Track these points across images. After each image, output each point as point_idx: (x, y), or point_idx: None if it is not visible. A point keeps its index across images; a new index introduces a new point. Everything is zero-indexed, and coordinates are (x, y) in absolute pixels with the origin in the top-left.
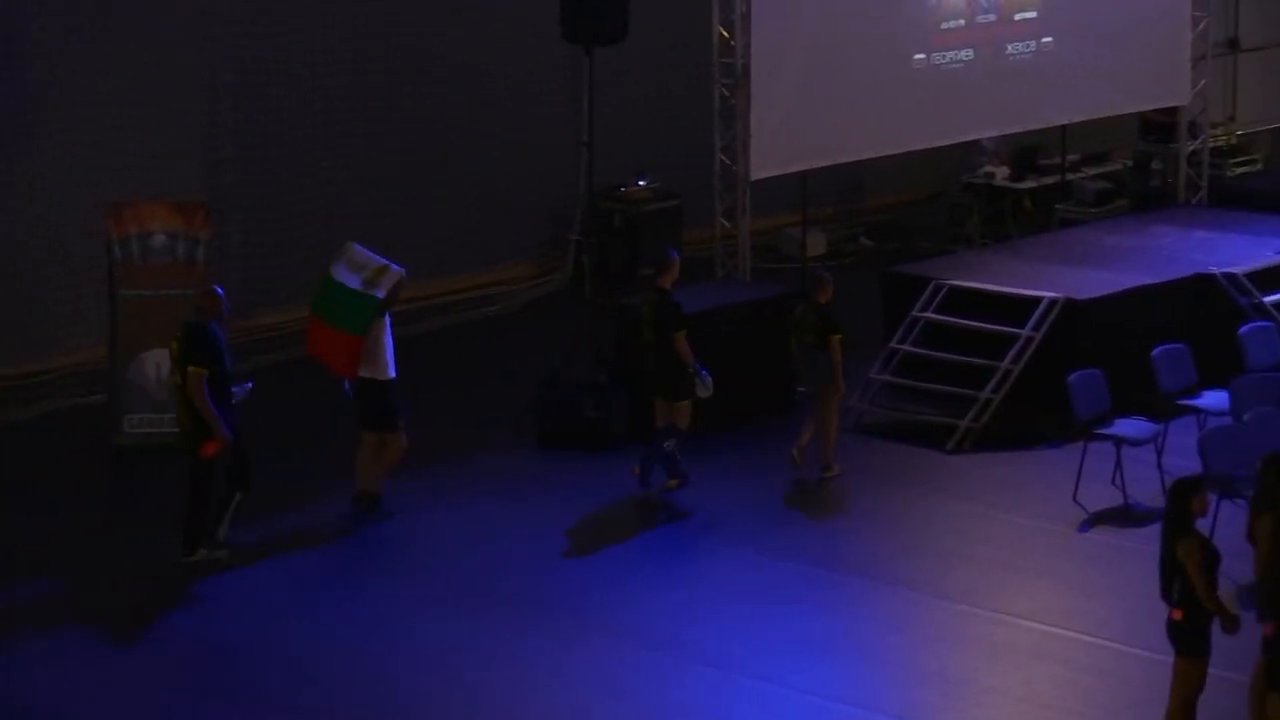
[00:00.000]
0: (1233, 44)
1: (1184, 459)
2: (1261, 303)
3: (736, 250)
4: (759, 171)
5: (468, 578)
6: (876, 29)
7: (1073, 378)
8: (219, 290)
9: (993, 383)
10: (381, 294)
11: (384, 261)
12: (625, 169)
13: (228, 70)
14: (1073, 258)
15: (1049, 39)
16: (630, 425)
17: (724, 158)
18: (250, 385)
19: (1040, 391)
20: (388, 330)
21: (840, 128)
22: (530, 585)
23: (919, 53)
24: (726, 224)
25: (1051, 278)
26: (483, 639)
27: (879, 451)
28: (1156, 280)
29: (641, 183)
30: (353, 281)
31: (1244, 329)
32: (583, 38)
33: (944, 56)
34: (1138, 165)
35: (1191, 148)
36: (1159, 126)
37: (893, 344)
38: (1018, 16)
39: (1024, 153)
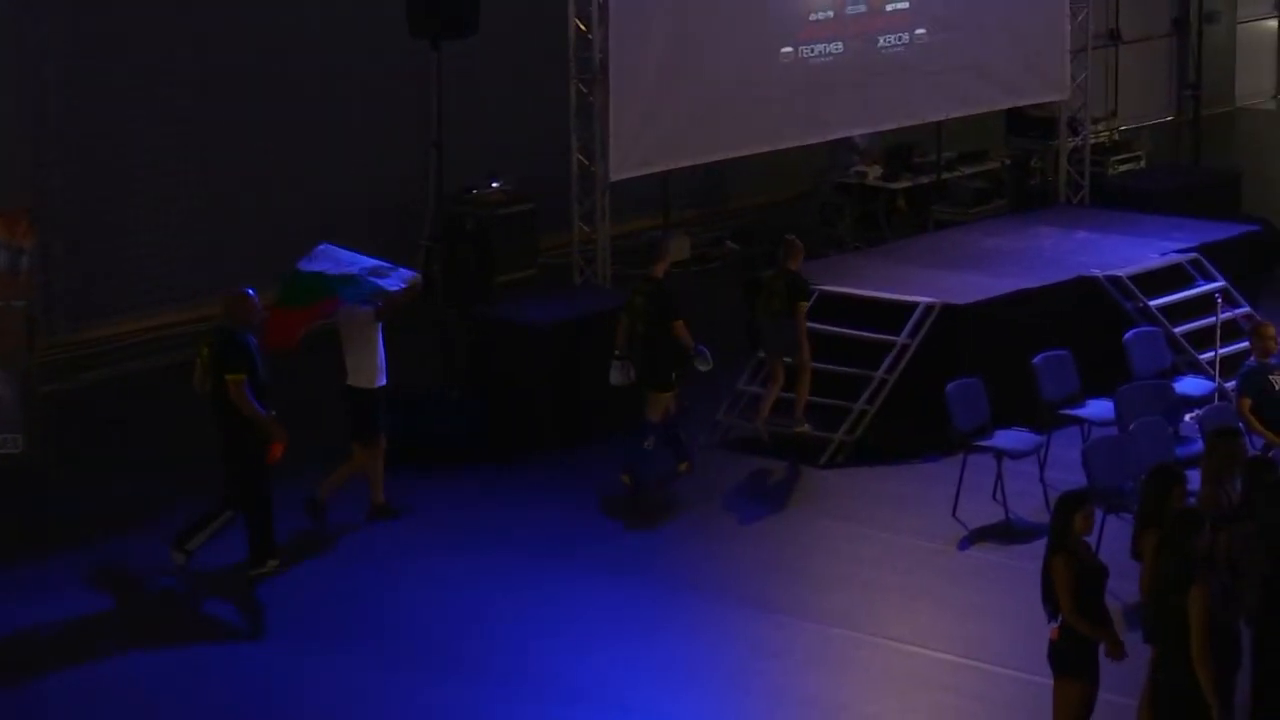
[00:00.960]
0: (1114, 36)
1: (1067, 472)
2: (1147, 307)
3: (596, 256)
4: (618, 172)
5: (310, 610)
6: (742, 21)
7: (951, 387)
8: (250, 292)
9: (867, 393)
10: (396, 284)
11: (385, 264)
12: (478, 170)
13: (53, 70)
14: (950, 261)
15: (921, 30)
16: (491, 439)
17: (581, 158)
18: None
19: (917, 402)
20: (380, 336)
21: (704, 125)
22: (376, 617)
23: (786, 46)
24: (585, 228)
25: (928, 282)
26: (327, 676)
27: (747, 467)
28: (1037, 284)
29: (495, 185)
30: (346, 266)
31: (1129, 335)
32: (431, 31)
33: (813, 49)
34: (1016, 164)
35: (1072, 145)
36: (1034, 122)
37: (760, 353)
38: (889, 8)
39: (897, 151)
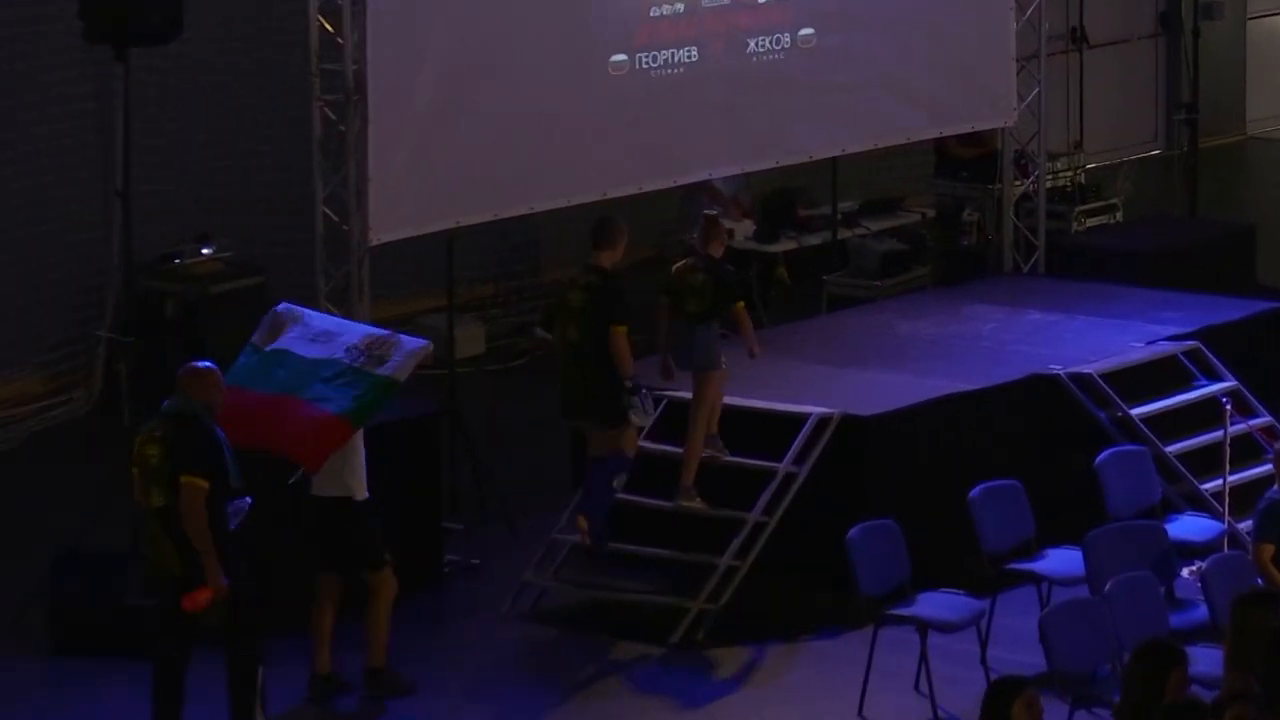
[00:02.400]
0: (1077, 38)
1: (1019, 650)
2: (1127, 416)
3: None
4: (382, 232)
5: None
6: (556, 21)
7: (855, 534)
8: (211, 364)
9: (737, 542)
10: (399, 375)
11: (380, 331)
12: (183, 230)
13: None
14: (851, 354)
15: (808, 31)
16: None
17: (329, 211)
18: (249, 502)
19: (808, 553)
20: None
21: (502, 166)
22: None
23: (618, 53)
24: (335, 310)
25: (820, 385)
26: None
27: (566, 649)
28: (974, 386)
29: (206, 251)
30: (334, 350)
31: (1102, 456)
32: (114, 34)
33: (655, 58)
34: (943, 217)
35: (1021, 190)
36: (968, 159)
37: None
38: None
39: (776, 200)
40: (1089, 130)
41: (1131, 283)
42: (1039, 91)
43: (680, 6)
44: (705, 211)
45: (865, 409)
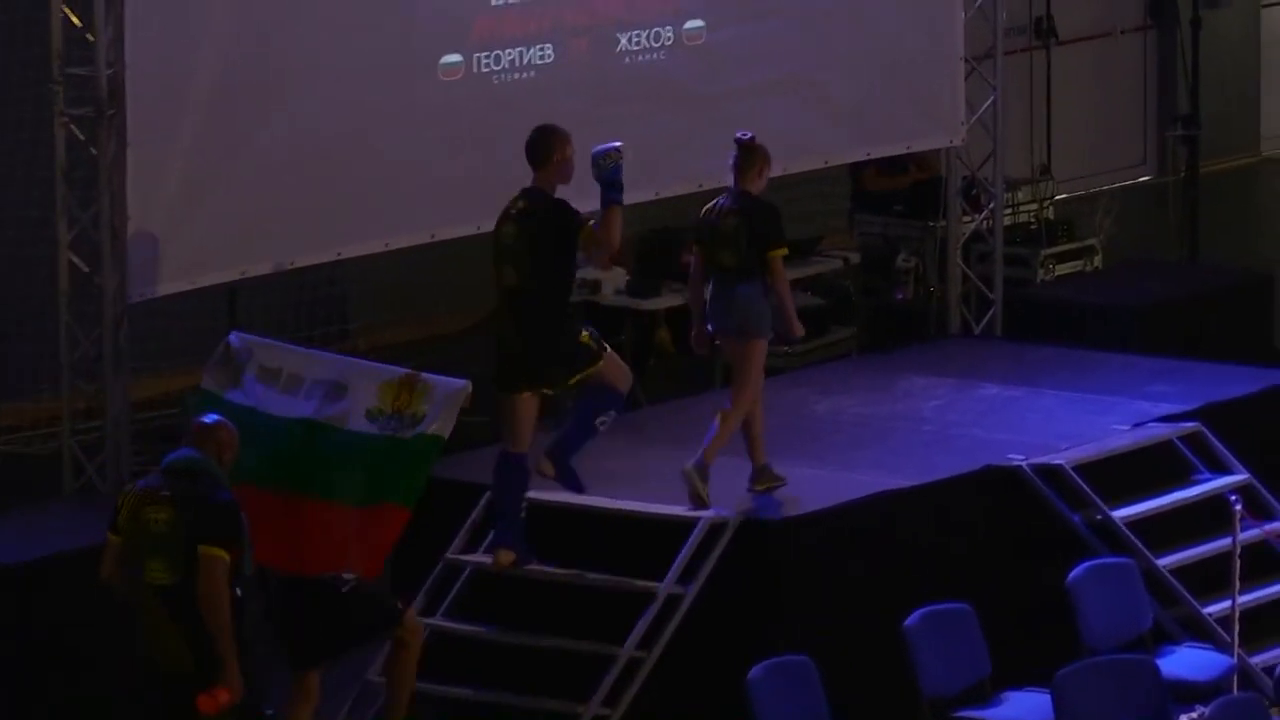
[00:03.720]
0: (1043, 31)
1: None
2: (1109, 519)
3: (104, 439)
4: (144, 286)
5: None
6: (369, 8)
7: (757, 673)
8: (221, 418)
9: (607, 682)
10: (444, 430)
11: (391, 370)
12: None
13: None
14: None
15: (696, 24)
16: None
17: (76, 259)
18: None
19: (696, 699)
20: None
21: (298, 200)
22: None
23: (450, 52)
24: (85, 387)
25: (714, 479)
26: None
27: None
28: (913, 481)
29: None
30: (329, 408)
31: (1077, 571)
32: None
33: (498, 59)
34: (871, 263)
35: (971, 229)
36: (903, 190)
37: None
38: None
39: (655, 242)
40: (1059, 151)
41: (1114, 347)
42: (994, 101)
43: None
44: (740, 136)
45: (772, 512)
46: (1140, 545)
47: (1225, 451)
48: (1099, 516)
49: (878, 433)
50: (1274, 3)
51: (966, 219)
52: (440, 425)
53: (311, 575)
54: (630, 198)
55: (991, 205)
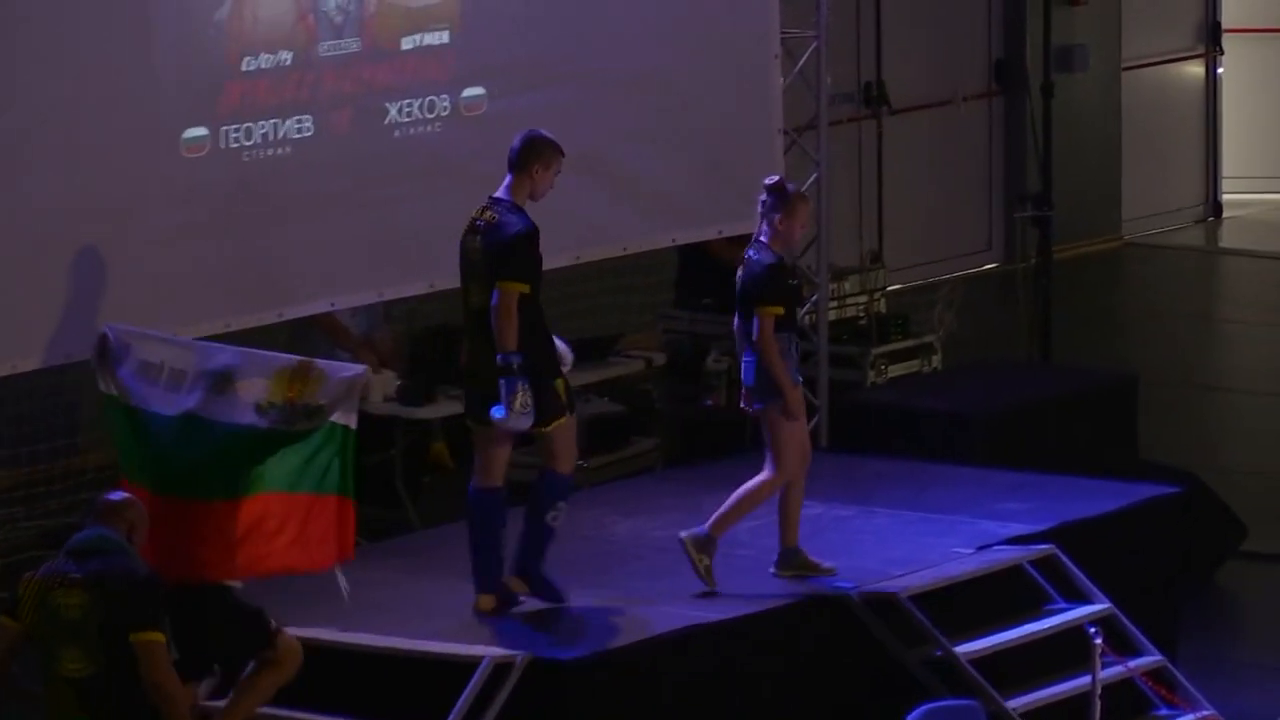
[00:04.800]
0: (873, 98)
1: None
2: (951, 655)
3: None
4: None
5: None
6: (98, 69)
7: None
8: (128, 495)
9: None
10: (349, 418)
11: (276, 359)
12: None
13: None
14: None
15: (477, 91)
16: None
17: None
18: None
19: None
20: None
21: (6, 298)
22: None
23: (194, 125)
24: None
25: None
26: None
27: None
28: (727, 614)
29: None
30: (215, 403)
31: (912, 717)
32: None
33: (249, 133)
34: (678, 364)
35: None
36: (716, 278)
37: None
38: (408, 43)
39: (431, 342)
40: (892, 235)
41: (957, 460)
42: (818, 178)
43: (286, 56)
44: (771, 182)
45: (565, 649)
46: (987, 685)
47: (1083, 577)
48: (939, 653)
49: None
50: (1137, 65)
51: None
52: (344, 415)
53: (196, 583)
54: (400, 293)
55: (815, 298)
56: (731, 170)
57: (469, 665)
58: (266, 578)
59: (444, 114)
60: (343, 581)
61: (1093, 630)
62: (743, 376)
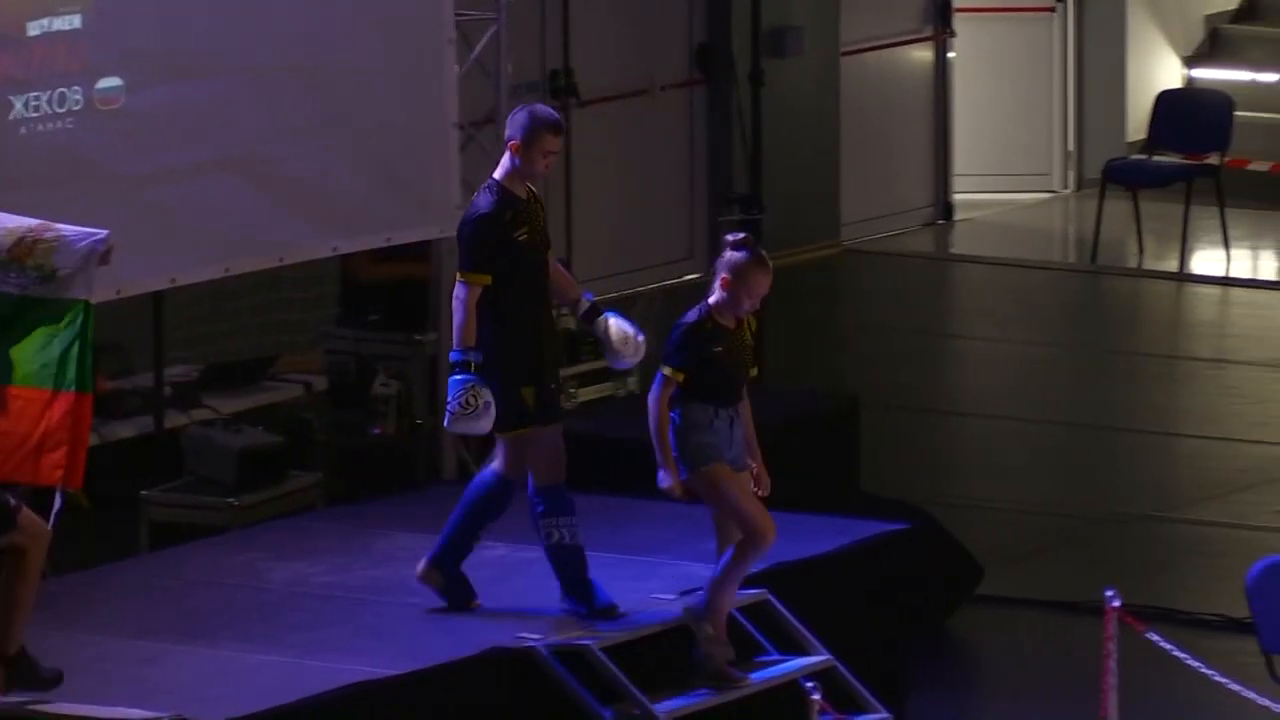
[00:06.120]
0: (561, 88)
1: None
2: (649, 715)
3: None
4: None
5: None
6: None
7: None
8: None
9: None
10: (83, 290)
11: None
12: None
13: None
14: (193, 620)
15: (114, 83)
16: None
17: None
18: None
19: None
20: None
21: None
22: None
23: None
24: None
25: (139, 671)
26: None
27: None
28: (399, 669)
29: None
30: None
31: None
32: None
33: None
34: (340, 390)
35: None
36: (375, 295)
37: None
38: (35, 28)
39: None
40: (581, 242)
41: (657, 494)
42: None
43: None
44: (733, 237)
45: (214, 709)
46: None
47: (800, 626)
48: (637, 711)
49: (350, 608)
50: (858, 48)
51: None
52: (82, 288)
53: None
54: None
55: None
56: (401, 171)
57: None
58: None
59: (76, 108)
60: (57, 503)
61: (810, 685)
62: None
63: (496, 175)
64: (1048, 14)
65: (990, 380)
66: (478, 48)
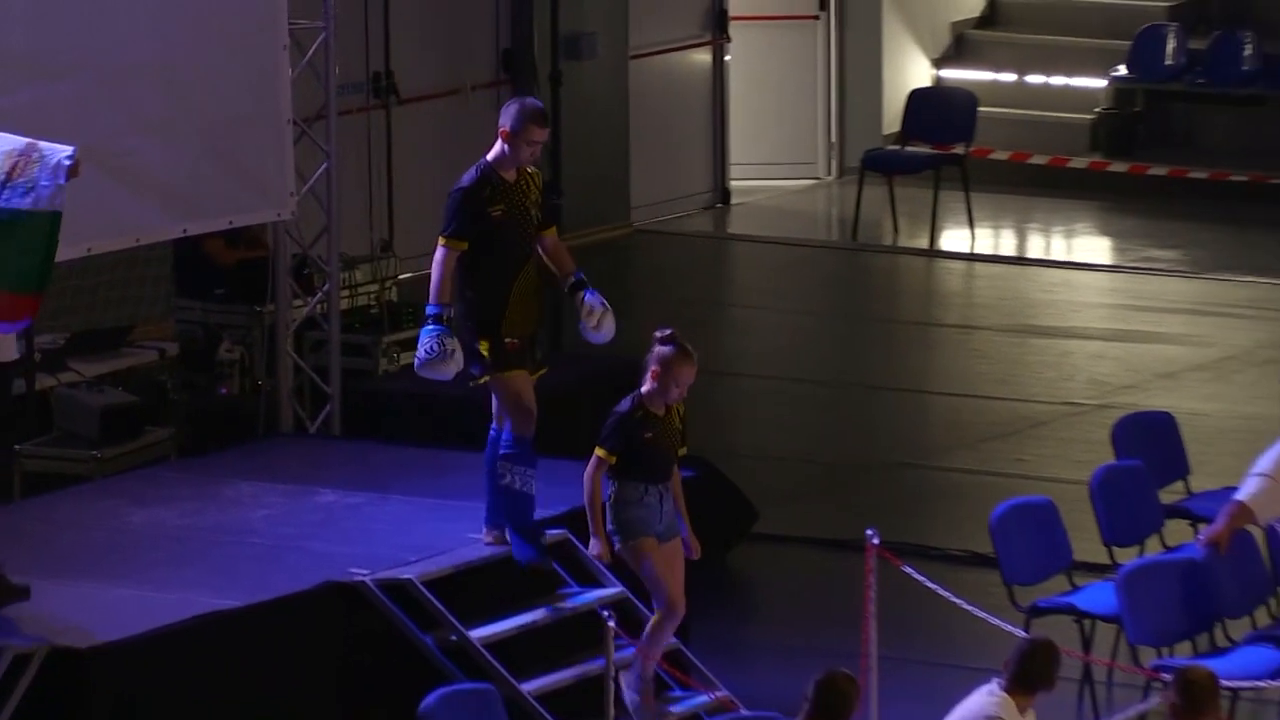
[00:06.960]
0: (383, 88)
1: None
2: (465, 640)
3: None
4: None
5: None
6: None
7: None
8: None
9: None
10: (59, 200)
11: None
12: None
13: None
14: (61, 559)
15: None
16: None
17: None
18: None
19: None
20: None
21: None
22: None
23: None
24: None
25: (16, 604)
26: None
27: None
28: (240, 601)
29: None
30: None
31: (429, 701)
32: None
33: None
34: (190, 354)
35: (305, 313)
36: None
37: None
38: None
39: None
40: (403, 224)
41: (470, 446)
42: (328, 168)
43: None
44: (661, 333)
45: (83, 638)
46: (501, 669)
47: (597, 562)
48: (454, 637)
49: (201, 548)
50: (645, 53)
51: (298, 304)
52: (54, 198)
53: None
54: None
55: (326, 287)
56: (242, 161)
57: None
58: None
59: None
60: None
61: (606, 614)
62: None
63: (489, 156)
64: (812, 21)
65: (764, 345)
66: (309, 52)
